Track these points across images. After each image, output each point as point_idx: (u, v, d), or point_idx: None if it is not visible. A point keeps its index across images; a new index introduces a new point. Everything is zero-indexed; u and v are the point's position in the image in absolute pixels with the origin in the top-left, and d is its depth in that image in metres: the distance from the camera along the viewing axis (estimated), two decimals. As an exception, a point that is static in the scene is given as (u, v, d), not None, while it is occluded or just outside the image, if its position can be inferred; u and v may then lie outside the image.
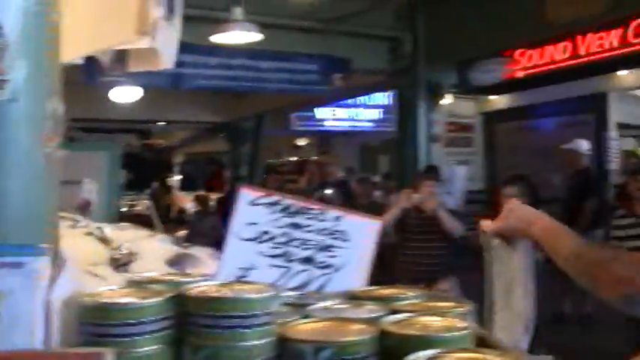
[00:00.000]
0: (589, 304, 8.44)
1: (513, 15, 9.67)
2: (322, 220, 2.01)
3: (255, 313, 1.41)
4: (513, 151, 15.09)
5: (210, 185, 18.32)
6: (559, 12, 9.21)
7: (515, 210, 2.03)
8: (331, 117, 17.53)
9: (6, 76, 1.29)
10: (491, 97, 14.70)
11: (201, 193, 14.80)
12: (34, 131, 1.39)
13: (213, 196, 14.08)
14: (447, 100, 13.70)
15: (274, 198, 1.99)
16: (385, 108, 17.41)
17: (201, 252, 2.77)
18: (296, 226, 1.98)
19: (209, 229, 10.25)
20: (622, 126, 14.17)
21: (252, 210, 1.96)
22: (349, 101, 17.16)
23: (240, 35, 7.72)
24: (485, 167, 15.78)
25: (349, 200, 9.16)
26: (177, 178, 20.75)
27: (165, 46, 2.66)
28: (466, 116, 15.57)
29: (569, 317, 8.63)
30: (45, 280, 1.37)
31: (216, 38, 7.85)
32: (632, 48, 8.71)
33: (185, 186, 19.56)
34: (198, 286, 1.55)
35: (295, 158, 21.18)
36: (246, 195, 1.97)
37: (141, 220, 7.48)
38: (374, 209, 7.90)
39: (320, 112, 17.28)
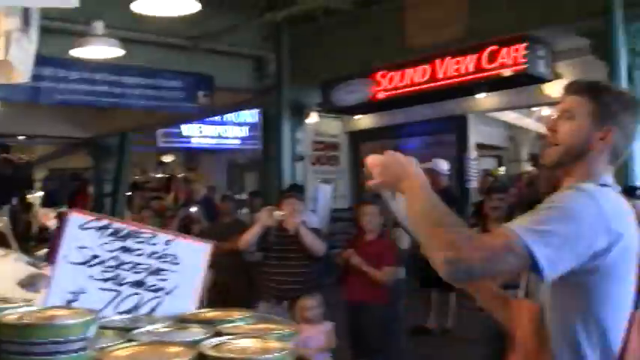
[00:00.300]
0: (451, 319, 9.03)
1: (375, 38, 9.95)
2: (152, 244, 2.01)
3: (70, 339, 1.40)
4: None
5: (74, 202, 17.77)
6: (417, 37, 9.56)
7: (389, 166, 2.18)
8: (198, 134, 17.38)
9: None
10: (357, 117, 15.03)
11: (64, 210, 14.33)
12: None
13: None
14: (313, 119, 13.91)
15: (104, 222, 1.98)
16: (252, 126, 17.45)
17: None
18: (126, 249, 1.97)
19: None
20: (482, 146, 14.81)
21: (81, 234, 1.94)
22: (216, 118, 17.08)
23: (102, 50, 7.58)
24: (351, 186, 16.11)
25: (213, 218, 9.13)
26: (38, 194, 19.98)
27: (20, 59, 2.59)
28: (332, 135, 15.87)
29: (432, 330, 8.99)
30: None
31: (78, 52, 7.67)
32: (487, 73, 9.14)
33: (48, 202, 18.86)
34: (16, 313, 1.52)
35: (161, 175, 20.89)
36: (76, 218, 1.95)
37: (-1, 239, 7.18)
38: (238, 227, 7.92)
39: (187, 129, 17.11)
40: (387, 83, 10.19)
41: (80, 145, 17.17)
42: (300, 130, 11.58)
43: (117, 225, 2.01)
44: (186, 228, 8.38)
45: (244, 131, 17.79)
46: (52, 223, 14.99)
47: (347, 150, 16.28)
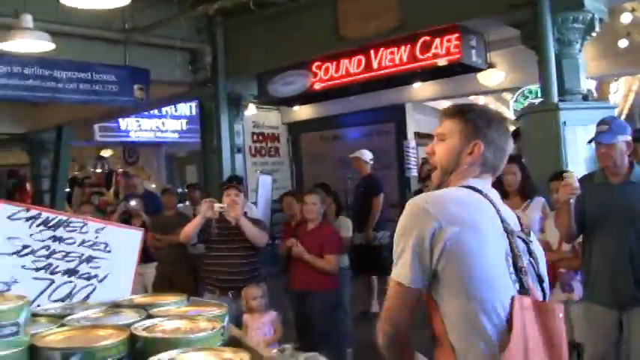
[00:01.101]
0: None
1: (310, 29, 10.01)
2: (83, 232, 2.03)
3: (1, 324, 1.43)
4: (319, 160, 15.60)
5: (12, 199, 17.43)
6: (350, 28, 9.65)
7: None
8: (136, 128, 17.21)
9: None
10: (296, 108, 15.09)
11: None
12: None
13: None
14: (251, 110, 13.92)
15: (33, 212, 1.99)
16: (190, 119, 17.38)
17: None
18: (57, 238, 1.99)
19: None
20: (420, 135, 15.03)
21: (10, 224, 1.96)
22: (154, 112, 16.93)
23: (31, 43, 7.45)
24: (292, 176, 16.18)
25: (155, 212, 9.09)
26: (-25, 192, 19.56)
27: None
28: (271, 126, 15.91)
29: (375, 315, 9.19)
30: None
31: (6, 46, 7.53)
32: (421, 63, 9.27)
33: (-16, 201, 18.53)
34: None
35: (100, 170, 20.63)
36: (4, 209, 1.96)
37: None
38: (180, 220, 7.91)
39: (125, 123, 16.93)
40: (323, 74, 10.25)
41: (15, 140, 16.81)
42: (238, 121, 11.58)
43: (46, 214, 2.02)
44: (126, 222, 8.33)
45: (182, 124, 17.70)
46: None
47: (286, 141, 16.35)
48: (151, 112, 16.67)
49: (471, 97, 14.10)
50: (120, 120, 16.64)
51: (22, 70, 9.02)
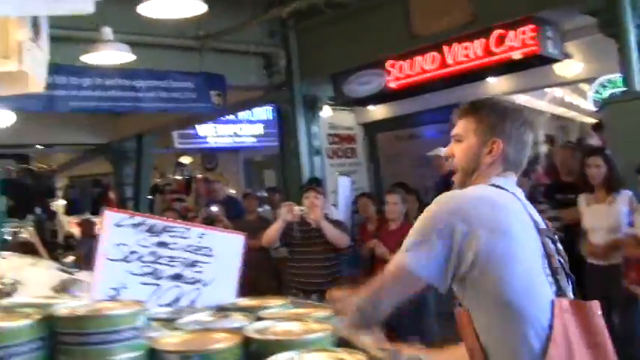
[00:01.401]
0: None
1: (382, 28, 9.98)
2: (186, 238, 2.07)
3: (120, 329, 1.48)
4: (396, 160, 15.52)
5: (98, 208, 17.88)
6: (423, 25, 9.58)
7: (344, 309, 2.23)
8: (214, 134, 17.43)
9: None
10: (371, 108, 15.05)
11: (86, 217, 14.48)
12: None
13: (97, 220, 13.77)
14: (327, 112, 13.95)
15: (139, 218, 2.04)
16: (267, 123, 17.49)
17: (88, 276, 2.74)
18: (162, 244, 2.03)
19: (93, 252, 10.00)
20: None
21: (118, 231, 2.01)
22: (231, 117, 17.12)
23: (112, 55, 7.63)
24: (370, 177, 16.14)
25: (237, 217, 9.20)
26: (61, 202, 20.17)
27: (34, 69, 2.64)
28: (347, 127, 15.89)
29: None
30: None
31: (88, 59, 7.73)
32: (496, 57, 9.14)
33: (71, 210, 19.07)
34: (67, 307, 1.59)
35: (180, 177, 20.96)
36: (112, 216, 2.02)
37: (26, 248, 7.28)
38: (262, 224, 7.98)
39: (202, 129, 17.17)
40: (398, 72, 10.21)
41: (97, 151, 17.25)
42: (315, 123, 11.62)
43: (151, 221, 2.07)
44: (208, 228, 8.43)
45: (259, 129, 17.83)
46: (76, 230, 15.18)
47: (362, 142, 16.31)
48: (228, 117, 16.86)
49: (548, 90, 13.80)
50: (197, 127, 16.89)
51: (104, 81, 9.25)
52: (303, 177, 10.88)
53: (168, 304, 2.04)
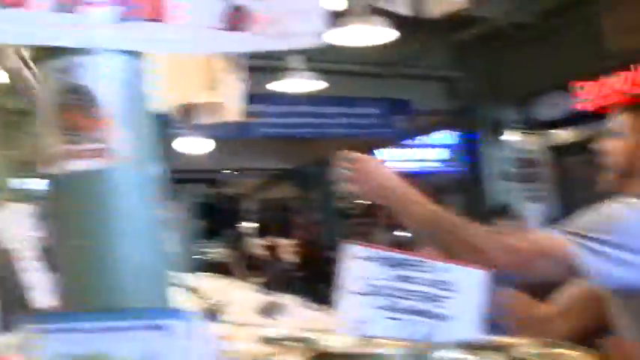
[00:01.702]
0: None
1: (571, 49, 9.67)
2: (427, 272, 2.06)
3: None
4: (585, 185, 14.87)
5: (284, 231, 18.43)
6: (615, 44, 9.19)
7: (372, 173, 2.12)
8: (396, 158, 17.45)
9: (112, 145, 1.35)
10: (557, 131, 14.58)
11: (272, 239, 14.98)
12: (142, 196, 1.42)
13: (284, 242, 14.23)
14: (512, 136, 13.66)
15: (379, 251, 2.08)
16: (450, 147, 17.31)
17: (288, 300, 2.81)
18: (401, 278, 2.05)
19: (281, 274, 10.37)
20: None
21: (359, 264, 2.06)
22: (413, 142, 17.10)
23: (303, 83, 7.88)
24: (558, 203, 15.57)
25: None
26: (251, 225, 20.96)
27: (233, 98, 2.79)
28: (532, 151, 15.45)
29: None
30: (188, 340, 1.35)
31: (277, 86, 8.01)
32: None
33: (259, 233, 19.81)
34: (334, 344, 1.65)
35: (362, 201, 21.16)
36: (352, 249, 2.08)
37: (220, 269, 7.65)
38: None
39: (384, 154, 17.23)
40: (587, 94, 9.85)
41: (284, 176, 17.77)
42: (499, 147, 11.43)
43: (390, 254, 2.08)
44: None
45: (442, 153, 17.68)
46: (262, 252, 15.74)
47: (549, 166, 15.78)
48: (411, 142, 16.88)
49: None
50: (379, 151, 17.00)
51: (293, 108, 9.59)
52: (489, 202, 10.71)
53: (409, 340, 2.04)
